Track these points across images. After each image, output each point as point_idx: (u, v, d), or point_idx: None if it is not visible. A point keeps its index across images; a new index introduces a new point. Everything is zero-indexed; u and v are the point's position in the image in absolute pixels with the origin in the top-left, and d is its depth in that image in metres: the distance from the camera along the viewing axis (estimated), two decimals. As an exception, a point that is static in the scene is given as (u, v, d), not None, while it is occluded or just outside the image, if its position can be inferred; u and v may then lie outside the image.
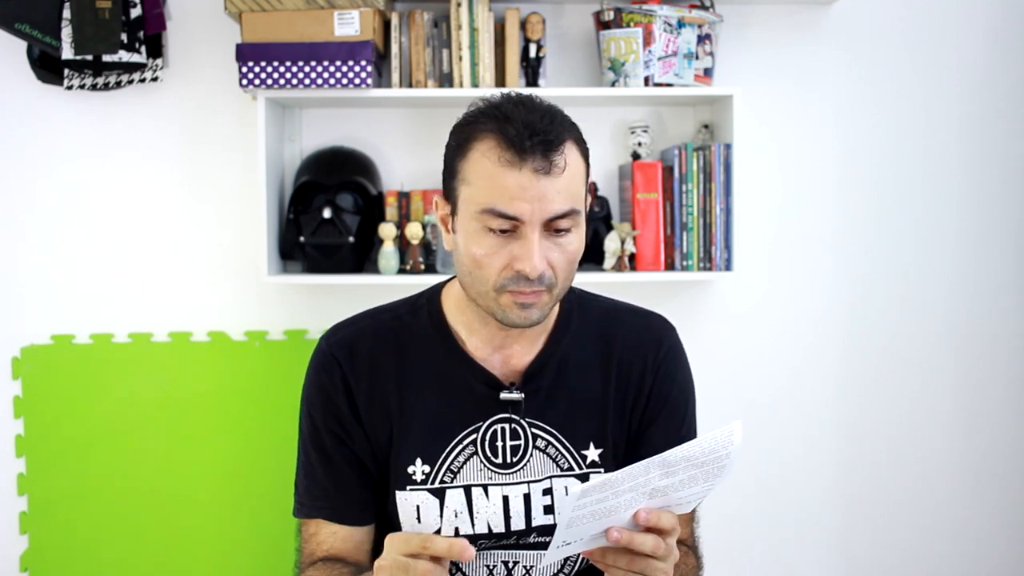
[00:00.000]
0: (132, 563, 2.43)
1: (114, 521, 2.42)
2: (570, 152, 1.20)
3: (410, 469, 1.31)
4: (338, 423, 1.32)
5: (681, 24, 2.29)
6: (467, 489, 1.31)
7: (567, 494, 1.23)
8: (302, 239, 2.30)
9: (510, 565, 1.34)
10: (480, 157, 1.19)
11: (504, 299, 1.21)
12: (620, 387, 1.36)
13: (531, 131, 1.16)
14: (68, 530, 2.42)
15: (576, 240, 1.23)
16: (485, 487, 1.31)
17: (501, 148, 1.17)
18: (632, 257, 2.34)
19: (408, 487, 1.31)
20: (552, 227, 1.19)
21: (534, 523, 1.32)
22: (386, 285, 2.28)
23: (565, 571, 1.35)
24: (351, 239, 2.30)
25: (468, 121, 1.23)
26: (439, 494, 1.30)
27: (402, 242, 2.36)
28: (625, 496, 1.04)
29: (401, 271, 2.34)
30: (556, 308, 1.36)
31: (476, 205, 1.19)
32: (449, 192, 1.26)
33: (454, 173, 1.23)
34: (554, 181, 1.17)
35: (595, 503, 1.02)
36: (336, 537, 1.33)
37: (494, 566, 1.34)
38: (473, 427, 1.31)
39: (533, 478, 1.32)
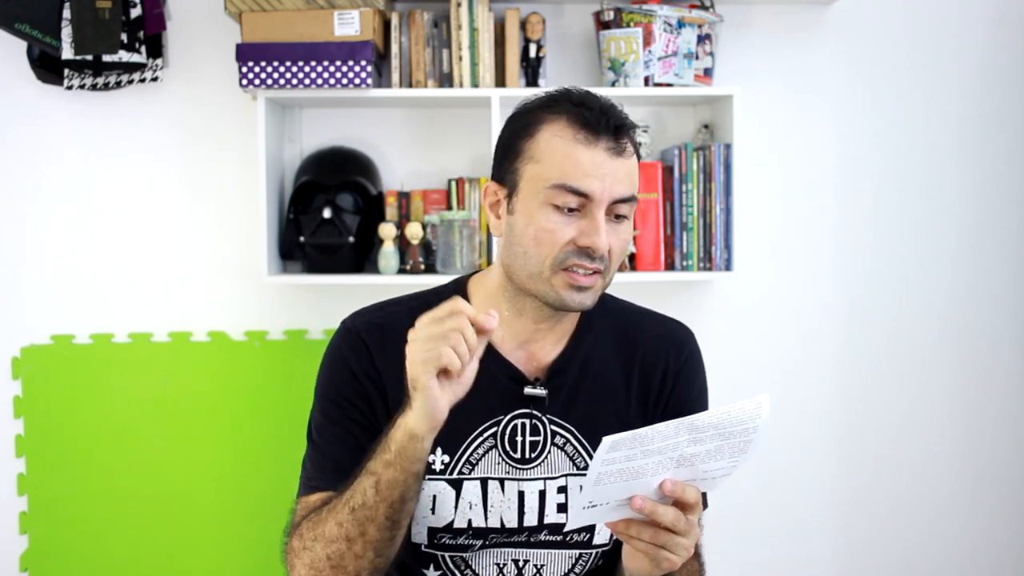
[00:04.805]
0: (132, 563, 2.43)
1: (114, 521, 2.42)
2: (631, 144, 1.27)
3: (430, 458, 1.29)
4: (361, 398, 1.29)
5: (681, 24, 2.29)
6: (483, 482, 1.30)
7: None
8: (302, 239, 2.30)
9: (520, 564, 1.33)
10: (551, 136, 1.23)
11: (559, 279, 1.23)
12: (643, 389, 1.36)
13: (605, 114, 1.23)
14: (68, 530, 2.42)
15: (628, 231, 1.28)
16: (501, 481, 1.31)
17: (575, 128, 1.22)
18: (632, 257, 2.34)
19: (427, 476, 1.29)
20: (613, 211, 1.24)
21: (546, 520, 1.31)
22: (386, 285, 2.28)
23: (576, 570, 1.35)
24: (351, 239, 2.30)
25: (533, 107, 1.27)
26: (456, 485, 1.30)
27: (402, 242, 2.36)
28: (653, 458, 1.04)
29: (401, 271, 2.34)
30: None
31: (545, 181, 1.22)
32: (508, 174, 1.27)
33: (518, 154, 1.26)
34: (623, 163, 1.24)
35: (624, 460, 1.02)
36: None
37: (504, 564, 1.33)
38: (494, 420, 1.31)
39: (550, 475, 1.32)
